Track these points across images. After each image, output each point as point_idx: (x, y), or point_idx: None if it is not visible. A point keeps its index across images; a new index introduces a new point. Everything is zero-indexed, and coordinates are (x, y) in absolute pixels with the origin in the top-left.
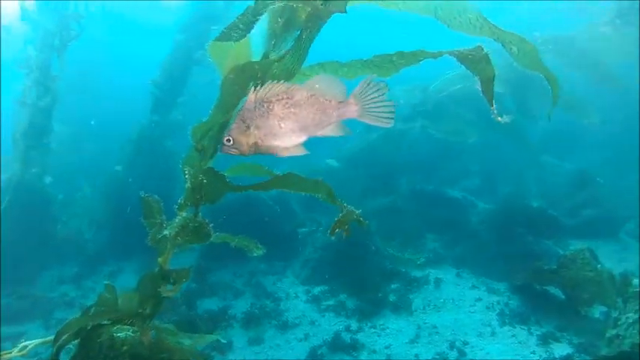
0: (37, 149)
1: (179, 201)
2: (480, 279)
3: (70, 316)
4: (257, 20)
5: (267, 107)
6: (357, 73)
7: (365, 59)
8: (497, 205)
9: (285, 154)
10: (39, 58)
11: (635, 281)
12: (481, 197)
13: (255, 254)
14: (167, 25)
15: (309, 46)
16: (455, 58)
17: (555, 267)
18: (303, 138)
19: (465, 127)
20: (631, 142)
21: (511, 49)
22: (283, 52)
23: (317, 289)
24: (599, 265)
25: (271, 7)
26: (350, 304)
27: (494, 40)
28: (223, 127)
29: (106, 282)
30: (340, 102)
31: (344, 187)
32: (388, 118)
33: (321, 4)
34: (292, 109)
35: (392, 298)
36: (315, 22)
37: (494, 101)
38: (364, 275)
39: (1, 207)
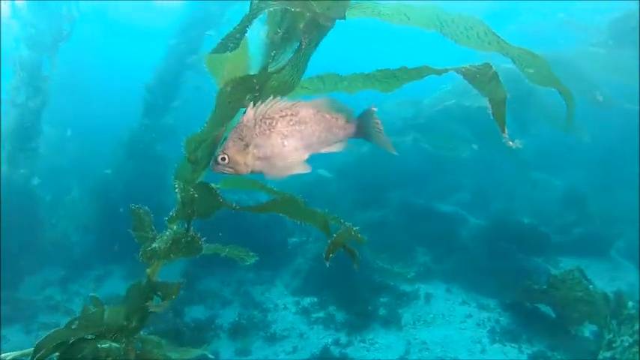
0: (25, 150)
1: (171, 213)
2: (470, 295)
3: (53, 321)
4: (250, 24)
5: (269, 124)
6: (358, 87)
7: (367, 73)
8: (488, 220)
9: (287, 173)
10: (30, 58)
11: (630, 303)
12: (472, 212)
13: (247, 263)
14: (161, 28)
15: (309, 57)
16: (461, 76)
17: (545, 287)
18: (305, 156)
19: (458, 142)
20: (621, 160)
21: (521, 64)
22: (282, 64)
23: (306, 301)
24: (591, 286)
25: (271, 18)
26: (339, 317)
27: (504, 55)
28: (217, 140)
29: (91, 294)
30: (347, 121)
31: (335, 199)
32: (391, 146)
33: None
34: (297, 127)
35: (382, 312)
36: (315, 30)
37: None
38: (354, 288)
39: None
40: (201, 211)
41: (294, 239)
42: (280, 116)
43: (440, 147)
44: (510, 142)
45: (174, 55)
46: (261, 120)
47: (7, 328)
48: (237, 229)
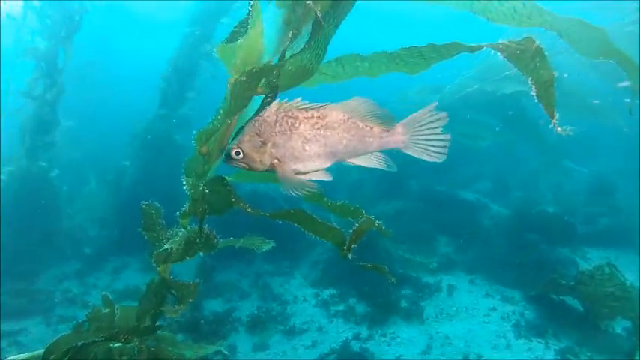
0: (43, 142)
1: (183, 209)
2: (494, 286)
3: (71, 314)
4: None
5: (292, 124)
6: (381, 69)
7: (390, 52)
8: (511, 209)
9: (305, 177)
10: (46, 50)
11: None
12: (495, 200)
13: (264, 249)
14: (177, 19)
15: (329, 39)
16: (500, 54)
17: (573, 283)
18: (328, 164)
19: (480, 129)
20: None
21: (570, 38)
22: (299, 48)
23: (326, 293)
24: (628, 282)
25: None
26: (360, 310)
27: (547, 29)
28: (228, 131)
29: (104, 293)
30: (385, 130)
31: (355, 187)
32: (439, 153)
33: None
34: (322, 132)
35: (403, 304)
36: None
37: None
38: (374, 279)
39: (1, 201)
40: (213, 208)
41: None
42: (305, 117)
43: (462, 134)
44: (559, 129)
45: (188, 45)
46: (282, 118)
47: (28, 320)
48: (253, 219)
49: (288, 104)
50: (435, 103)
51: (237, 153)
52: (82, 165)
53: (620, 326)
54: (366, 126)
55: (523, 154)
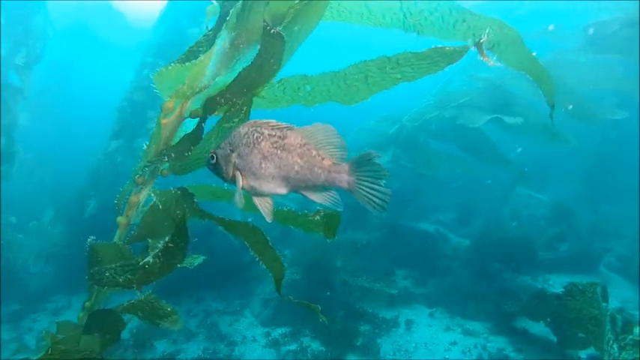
0: None
1: (133, 232)
2: (455, 319)
3: None
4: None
5: (256, 138)
6: (321, 93)
7: (336, 72)
8: (471, 239)
9: (256, 202)
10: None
11: (637, 329)
12: (455, 231)
13: (196, 263)
14: (137, 47)
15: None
16: None
17: (562, 292)
18: (283, 191)
19: (439, 158)
20: (603, 173)
21: (490, 43)
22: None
23: (277, 332)
24: (604, 304)
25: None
26: (313, 349)
27: (470, 36)
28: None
29: (57, 320)
30: (334, 164)
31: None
32: (379, 206)
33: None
34: (278, 152)
35: (359, 341)
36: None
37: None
38: (330, 315)
39: None
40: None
41: None
42: (269, 134)
43: (421, 164)
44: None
45: (147, 75)
46: (251, 131)
47: None
48: (203, 249)
49: (261, 121)
50: (375, 154)
51: (212, 157)
52: (36, 197)
53: (585, 354)
54: (319, 155)
55: (483, 181)
